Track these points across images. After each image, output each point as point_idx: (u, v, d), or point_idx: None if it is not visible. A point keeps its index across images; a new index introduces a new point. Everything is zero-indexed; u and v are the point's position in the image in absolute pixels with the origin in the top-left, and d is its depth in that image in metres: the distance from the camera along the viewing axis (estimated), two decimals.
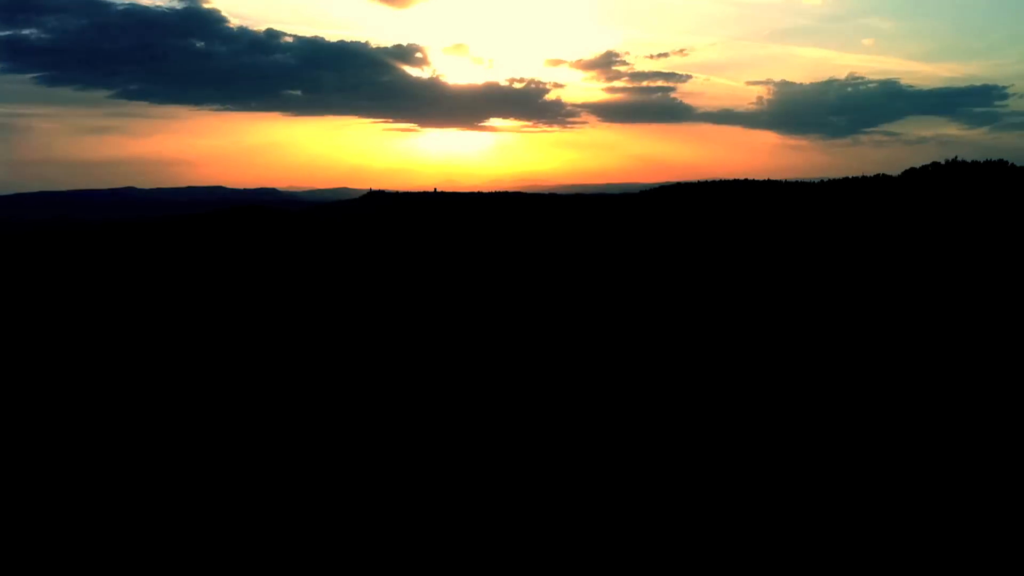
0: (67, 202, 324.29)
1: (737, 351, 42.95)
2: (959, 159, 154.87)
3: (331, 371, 40.57)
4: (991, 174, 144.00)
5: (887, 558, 19.99)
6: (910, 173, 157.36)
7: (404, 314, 57.32)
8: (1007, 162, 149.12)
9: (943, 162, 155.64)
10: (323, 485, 25.16)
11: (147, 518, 22.75)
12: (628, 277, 73.35)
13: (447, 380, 38.30)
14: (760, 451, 27.43)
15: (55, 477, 25.95)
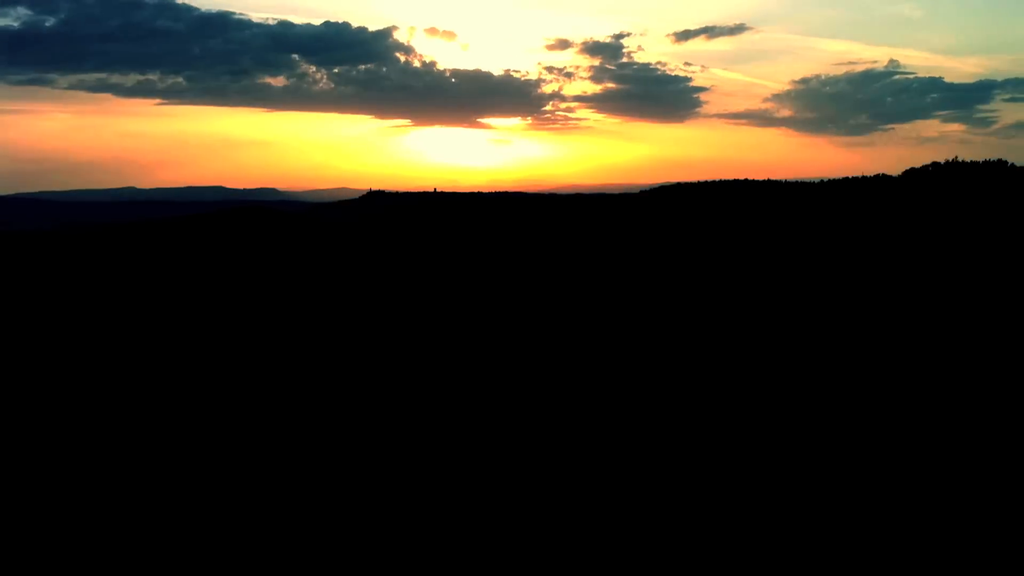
0: (66, 203, 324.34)
1: (736, 352, 43.03)
2: (958, 159, 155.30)
3: (331, 372, 40.64)
4: (991, 174, 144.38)
5: (887, 558, 20.06)
6: (910, 173, 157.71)
7: (405, 315, 57.40)
8: (1007, 162, 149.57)
9: (943, 162, 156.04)
10: (323, 486, 25.23)
11: (147, 519, 22.83)
12: (627, 278, 73.44)
13: (447, 381, 38.37)
14: (761, 451, 27.50)
15: (56, 478, 26.02)
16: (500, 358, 42.76)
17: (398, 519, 22.63)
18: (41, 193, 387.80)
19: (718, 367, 39.62)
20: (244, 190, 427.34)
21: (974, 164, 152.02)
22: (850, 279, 66.89)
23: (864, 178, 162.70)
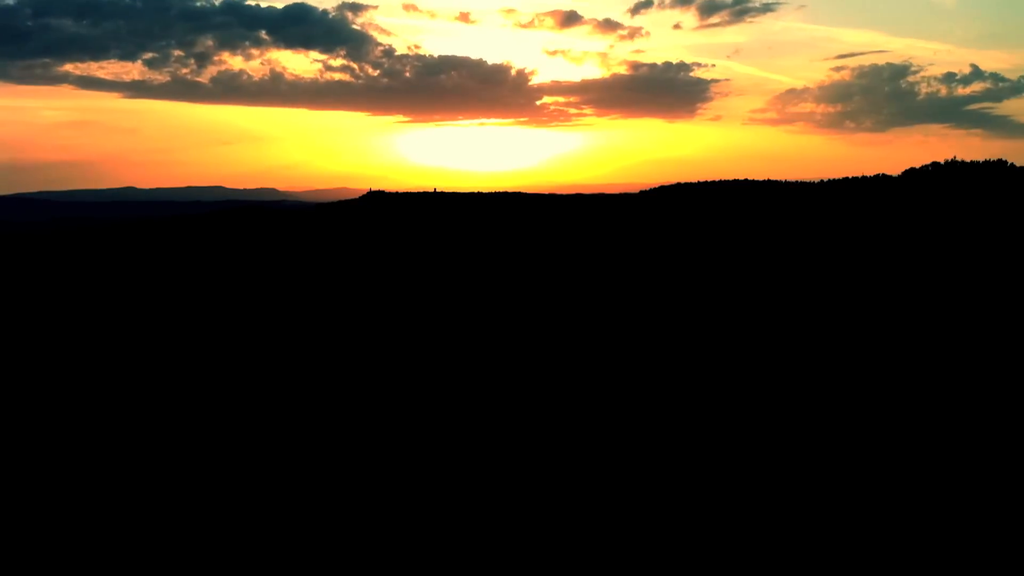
0: (66, 202, 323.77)
1: (735, 352, 42.94)
2: (957, 159, 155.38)
3: (332, 370, 40.54)
4: (991, 174, 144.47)
5: (887, 558, 19.98)
6: (910, 173, 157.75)
7: (404, 315, 57.28)
8: (1006, 162, 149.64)
9: (943, 162, 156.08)
10: (322, 484, 25.14)
11: (147, 517, 22.72)
12: (627, 278, 73.34)
13: (447, 380, 38.27)
14: (760, 451, 27.42)
15: (56, 477, 25.91)
16: (500, 358, 42.66)
17: (394, 512, 22.54)
18: (39, 193, 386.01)
19: (716, 368, 39.52)
20: (244, 190, 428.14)
21: (974, 164, 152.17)
22: (845, 280, 66.81)
23: (864, 178, 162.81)
